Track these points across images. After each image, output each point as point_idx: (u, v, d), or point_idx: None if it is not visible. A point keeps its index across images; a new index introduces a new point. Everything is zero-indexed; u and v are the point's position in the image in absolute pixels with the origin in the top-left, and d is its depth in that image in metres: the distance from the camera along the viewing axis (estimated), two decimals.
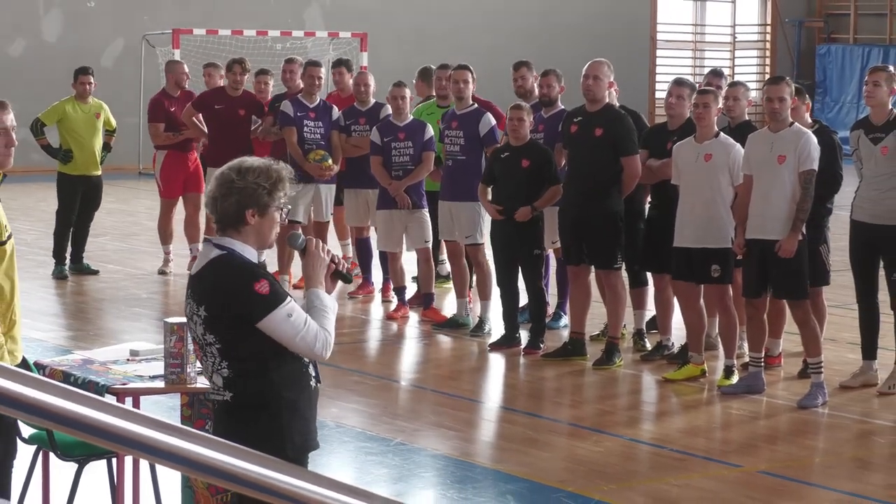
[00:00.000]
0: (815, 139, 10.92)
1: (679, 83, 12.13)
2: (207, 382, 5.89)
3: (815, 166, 10.78)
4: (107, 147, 16.48)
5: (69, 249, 16.38)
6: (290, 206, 6.02)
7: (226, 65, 16.48)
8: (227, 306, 5.70)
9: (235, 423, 5.72)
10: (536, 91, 13.52)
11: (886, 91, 11.12)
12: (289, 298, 5.74)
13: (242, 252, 5.76)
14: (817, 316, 11.26)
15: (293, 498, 3.07)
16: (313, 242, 6.00)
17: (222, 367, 5.73)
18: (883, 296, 11.25)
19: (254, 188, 5.74)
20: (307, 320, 5.72)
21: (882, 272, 11.22)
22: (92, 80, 16.47)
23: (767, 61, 36.50)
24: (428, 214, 13.86)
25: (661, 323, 12.41)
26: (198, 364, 6.78)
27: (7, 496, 6.82)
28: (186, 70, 17.14)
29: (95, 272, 16.36)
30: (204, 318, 5.72)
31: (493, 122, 13.38)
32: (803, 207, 10.74)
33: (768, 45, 36.63)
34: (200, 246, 16.21)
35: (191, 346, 7.02)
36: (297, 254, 6.20)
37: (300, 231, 5.93)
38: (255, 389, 5.74)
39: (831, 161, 11.12)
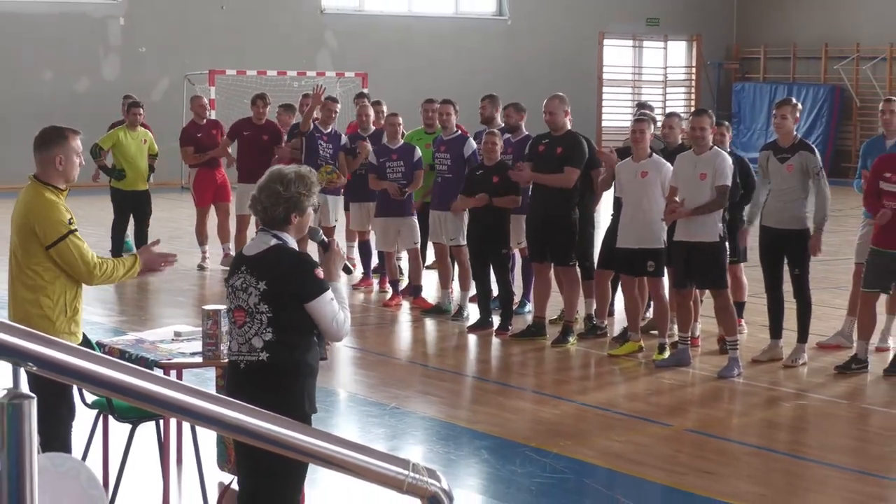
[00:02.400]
0: (730, 160, 10.96)
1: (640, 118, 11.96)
2: (240, 345, 5.80)
3: (729, 182, 10.83)
4: (151, 168, 16.50)
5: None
6: (319, 203, 6.07)
7: (251, 99, 16.63)
8: (288, 285, 5.71)
9: (266, 382, 5.72)
10: (499, 119, 13.60)
11: (791, 121, 11.15)
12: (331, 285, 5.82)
13: (290, 243, 5.84)
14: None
15: (307, 452, 3.08)
16: (335, 243, 6.08)
17: (266, 332, 5.72)
18: (787, 287, 11.28)
19: (297, 197, 5.80)
20: (338, 306, 5.75)
21: (786, 267, 11.25)
22: (142, 112, 16.52)
23: (693, 96, 36.52)
24: (417, 221, 13.88)
25: (599, 309, 12.44)
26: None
27: (69, 451, 6.81)
28: (204, 102, 17.45)
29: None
30: (262, 292, 5.71)
31: (475, 146, 13.39)
32: (710, 207, 10.75)
33: (693, 83, 36.66)
34: (231, 245, 16.35)
35: (224, 328, 7.00)
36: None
37: (320, 228, 6.05)
38: (288, 354, 5.74)
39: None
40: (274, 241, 5.80)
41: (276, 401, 5.20)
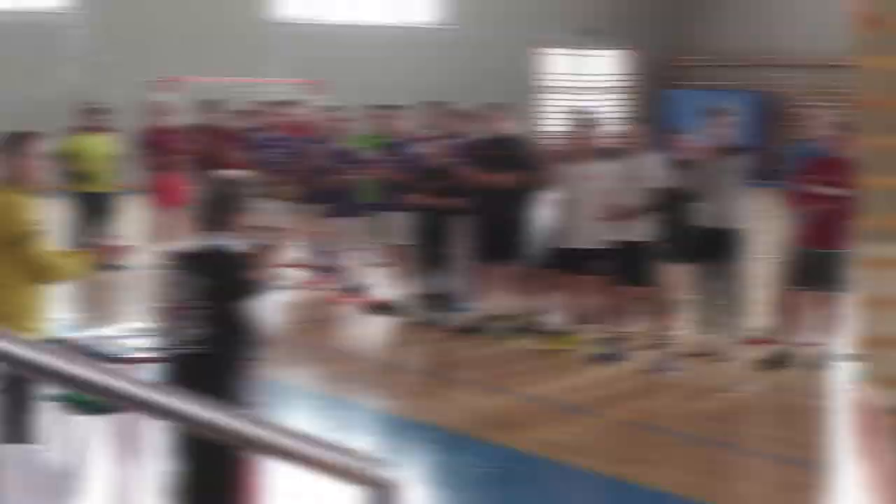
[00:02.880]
0: (661, 163, 11.03)
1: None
2: (176, 338, 5.82)
3: (660, 184, 10.92)
4: (111, 171, 16.43)
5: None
6: (259, 207, 6.09)
7: (206, 105, 16.65)
8: (221, 282, 5.72)
9: (199, 374, 5.70)
10: (443, 124, 13.64)
11: (727, 130, 11.23)
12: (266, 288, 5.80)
13: (229, 243, 5.83)
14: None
15: (257, 443, 3.08)
16: (272, 247, 6.08)
17: (200, 327, 5.72)
18: (719, 283, 11.35)
19: (236, 199, 5.83)
20: (268, 308, 5.76)
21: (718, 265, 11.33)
22: (102, 118, 16.46)
23: (627, 103, 36.66)
24: (367, 222, 13.87)
25: (540, 306, 12.48)
26: None
27: (34, 442, 6.77)
28: (164, 109, 17.44)
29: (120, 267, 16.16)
30: (197, 288, 5.73)
31: (421, 150, 13.38)
32: (644, 208, 10.85)
33: (628, 91, 36.81)
34: (180, 242, 16.29)
35: None
36: None
37: (260, 229, 6.13)
38: (220, 348, 5.75)
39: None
40: (212, 241, 5.83)
41: (210, 393, 5.19)
